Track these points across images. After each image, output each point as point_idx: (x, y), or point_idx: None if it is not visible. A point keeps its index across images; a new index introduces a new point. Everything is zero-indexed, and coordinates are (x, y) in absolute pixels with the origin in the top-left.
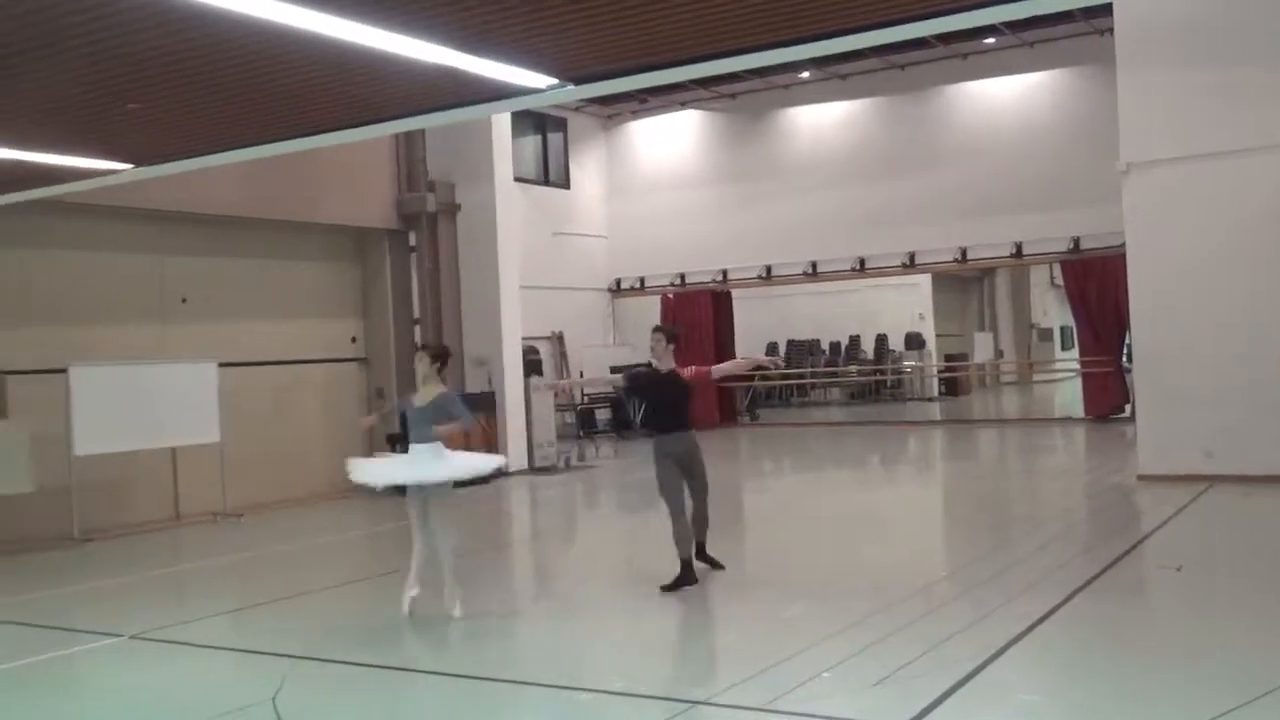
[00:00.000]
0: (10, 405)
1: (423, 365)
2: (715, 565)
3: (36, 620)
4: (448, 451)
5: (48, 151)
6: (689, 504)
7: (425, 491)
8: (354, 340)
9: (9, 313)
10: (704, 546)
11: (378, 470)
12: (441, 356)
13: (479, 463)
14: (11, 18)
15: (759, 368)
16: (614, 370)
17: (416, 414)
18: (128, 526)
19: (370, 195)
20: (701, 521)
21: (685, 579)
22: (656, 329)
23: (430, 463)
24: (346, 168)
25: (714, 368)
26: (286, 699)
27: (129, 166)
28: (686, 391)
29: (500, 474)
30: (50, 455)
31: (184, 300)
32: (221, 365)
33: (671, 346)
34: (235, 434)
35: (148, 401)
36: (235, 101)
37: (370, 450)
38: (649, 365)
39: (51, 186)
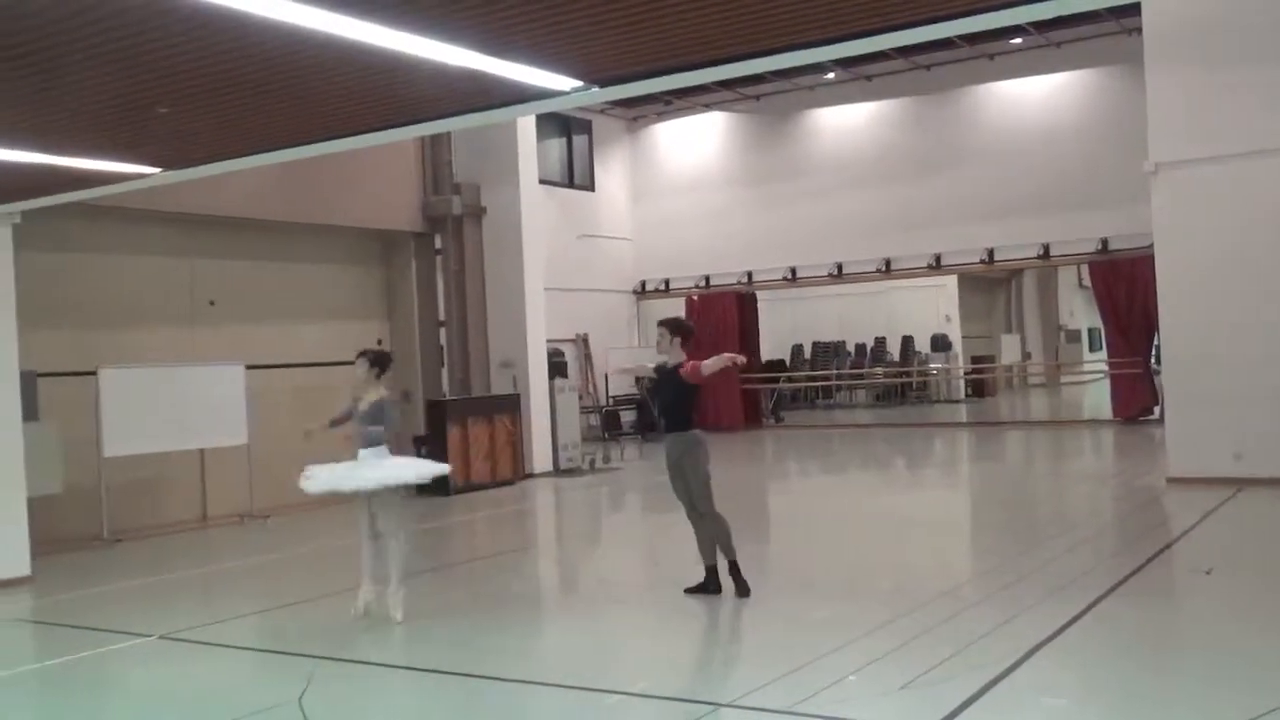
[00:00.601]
0: (41, 407)
1: (361, 369)
2: (710, 588)
3: (66, 620)
4: (389, 456)
5: (78, 156)
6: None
7: (370, 497)
8: (380, 343)
9: (40, 315)
10: (734, 565)
11: (324, 478)
12: (381, 362)
13: (420, 468)
14: (41, 25)
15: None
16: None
17: (361, 417)
18: (156, 527)
19: (396, 198)
20: (704, 539)
21: (707, 585)
22: (660, 322)
23: (371, 468)
24: (373, 171)
25: (703, 364)
26: (313, 699)
27: (157, 170)
28: (683, 389)
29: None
30: (80, 456)
31: (212, 303)
32: (249, 367)
33: (677, 340)
34: (262, 436)
35: (176, 403)
36: (262, 105)
37: (398, 450)
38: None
39: (81, 190)
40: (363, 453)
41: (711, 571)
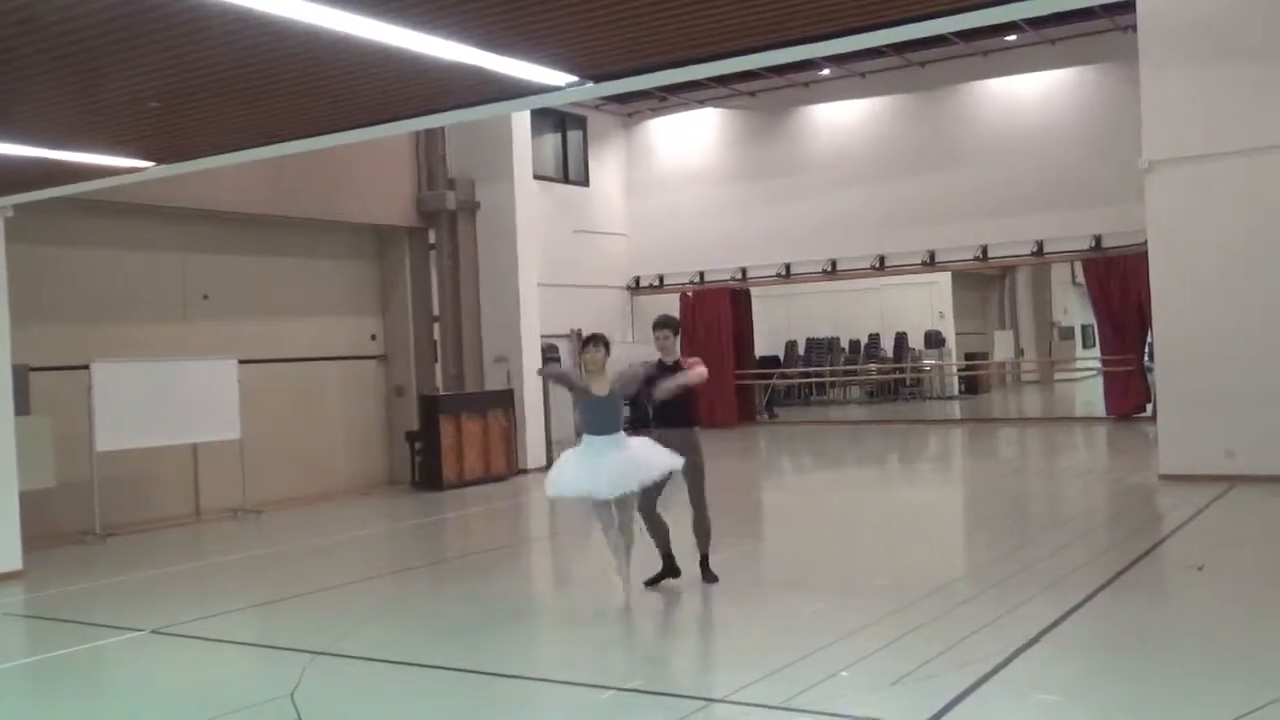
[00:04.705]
0: (33, 401)
1: (598, 357)
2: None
3: (58, 614)
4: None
5: (71, 150)
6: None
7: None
8: (373, 338)
9: (33, 309)
10: (705, 558)
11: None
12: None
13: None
14: (35, 18)
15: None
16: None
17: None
18: (149, 522)
19: (390, 193)
20: (660, 532)
21: (668, 570)
22: (661, 323)
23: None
24: (367, 166)
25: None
26: (305, 694)
27: (151, 164)
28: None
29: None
30: (72, 451)
31: (205, 297)
32: (242, 362)
33: (678, 338)
34: (256, 431)
35: (169, 398)
36: (255, 100)
37: (391, 445)
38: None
39: (74, 184)
40: (599, 440)
41: (669, 558)
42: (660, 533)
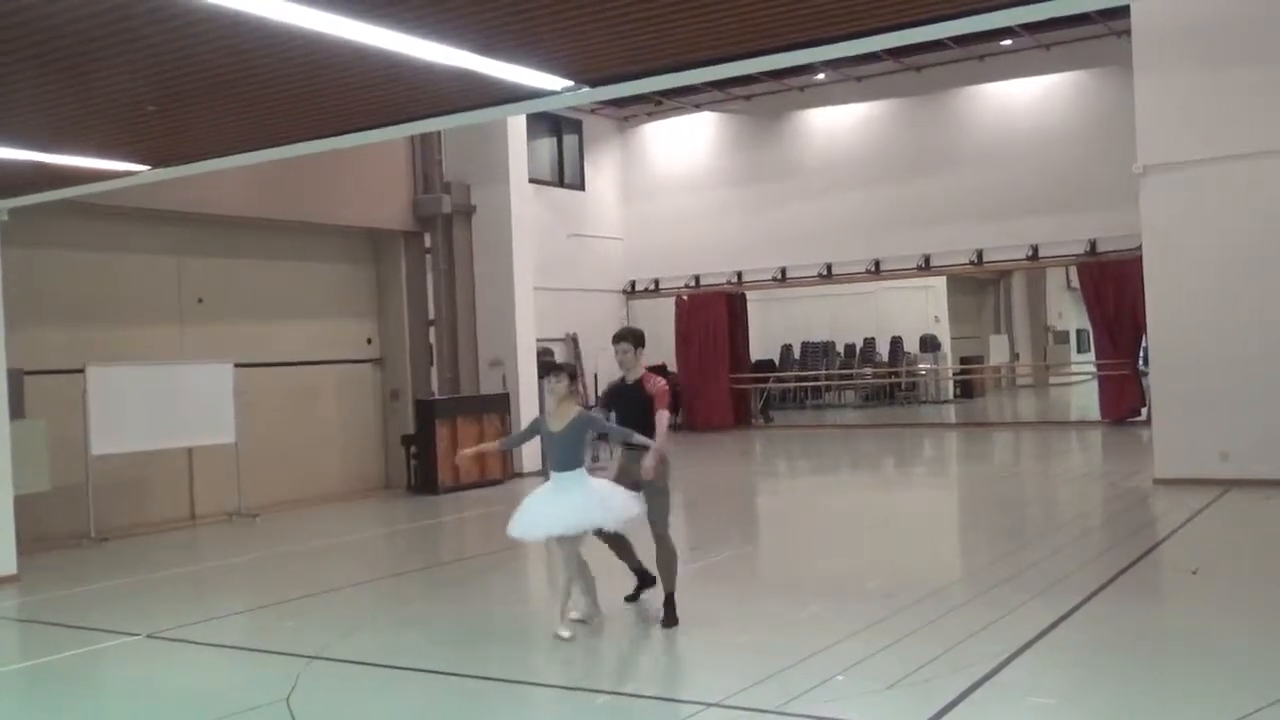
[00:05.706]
0: (28, 405)
1: (560, 386)
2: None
3: (53, 619)
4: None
5: (67, 153)
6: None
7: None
8: (369, 341)
9: (28, 313)
10: (670, 597)
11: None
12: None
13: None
14: (30, 21)
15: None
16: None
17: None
18: (144, 526)
19: (387, 197)
20: (625, 550)
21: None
22: (621, 336)
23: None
24: (363, 169)
25: (663, 414)
26: (300, 699)
27: (146, 168)
28: (646, 405)
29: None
30: (68, 455)
31: (201, 301)
32: (238, 366)
33: (640, 351)
34: (251, 434)
35: (164, 402)
36: (254, 103)
37: (387, 448)
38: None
39: (70, 188)
40: (562, 478)
41: (640, 571)
42: (625, 549)
